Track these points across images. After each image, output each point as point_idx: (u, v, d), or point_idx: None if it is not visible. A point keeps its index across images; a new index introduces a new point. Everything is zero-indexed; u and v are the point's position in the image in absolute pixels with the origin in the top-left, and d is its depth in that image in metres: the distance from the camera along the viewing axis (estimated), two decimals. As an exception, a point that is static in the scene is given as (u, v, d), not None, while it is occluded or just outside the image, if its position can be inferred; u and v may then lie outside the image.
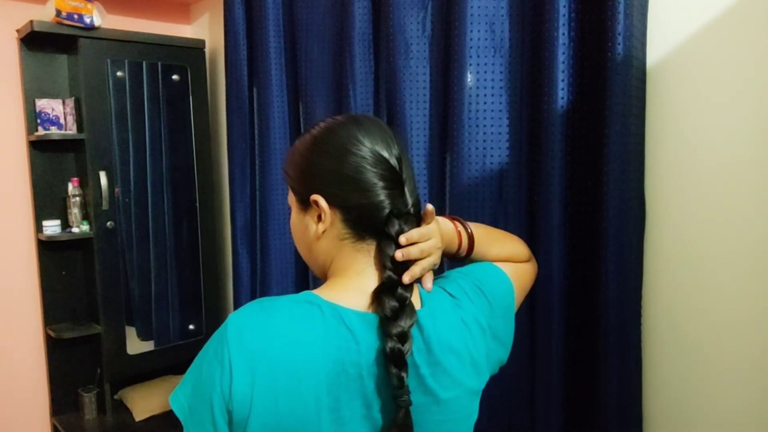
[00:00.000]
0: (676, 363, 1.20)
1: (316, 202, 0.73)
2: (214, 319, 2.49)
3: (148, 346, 2.37)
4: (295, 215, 0.79)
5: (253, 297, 2.17)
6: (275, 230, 2.00)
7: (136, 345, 2.32)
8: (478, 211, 1.39)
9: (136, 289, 2.35)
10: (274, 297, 0.72)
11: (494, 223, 1.39)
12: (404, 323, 0.68)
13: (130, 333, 2.31)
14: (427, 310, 0.74)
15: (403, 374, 0.66)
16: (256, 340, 0.66)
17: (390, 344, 0.66)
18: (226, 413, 0.65)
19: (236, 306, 2.23)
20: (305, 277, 1.98)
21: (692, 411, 1.18)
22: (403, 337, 0.67)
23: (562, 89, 1.22)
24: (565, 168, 1.24)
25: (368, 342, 0.68)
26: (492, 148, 1.37)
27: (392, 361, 0.67)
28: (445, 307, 0.76)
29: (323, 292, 0.73)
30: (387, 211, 0.72)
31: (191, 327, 2.48)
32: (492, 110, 1.37)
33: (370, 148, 0.72)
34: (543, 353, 1.28)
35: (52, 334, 2.21)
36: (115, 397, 2.36)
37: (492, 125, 1.37)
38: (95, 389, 2.31)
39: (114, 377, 2.27)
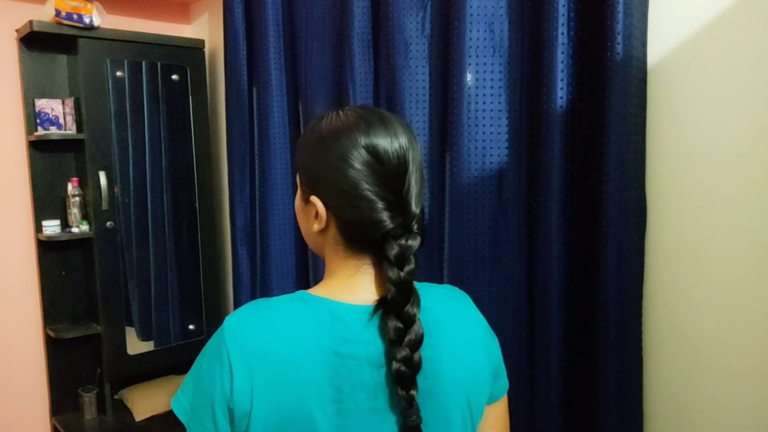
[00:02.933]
0: (677, 363, 1.20)
1: (314, 204, 0.73)
2: (214, 319, 2.49)
3: (148, 346, 2.37)
4: (299, 200, 0.78)
5: (253, 297, 2.17)
6: (275, 230, 2.00)
7: (136, 345, 2.32)
8: (477, 210, 1.39)
9: (136, 289, 2.35)
10: (269, 298, 0.72)
11: (494, 222, 1.39)
12: (410, 346, 0.67)
13: (130, 333, 2.31)
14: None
15: (413, 393, 0.67)
16: (252, 338, 0.67)
17: (395, 366, 0.66)
18: (227, 411, 0.66)
19: (236, 306, 2.23)
20: (305, 277, 1.98)
21: (693, 411, 1.18)
22: (409, 361, 0.67)
23: (562, 89, 1.22)
24: (565, 167, 1.24)
25: (366, 335, 0.69)
26: (491, 148, 1.37)
27: (399, 384, 0.67)
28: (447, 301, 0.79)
29: (315, 291, 0.74)
30: (385, 230, 0.69)
31: (191, 327, 2.48)
32: (491, 110, 1.37)
33: (373, 159, 0.69)
34: (542, 353, 1.28)
35: (52, 334, 2.21)
36: (115, 397, 2.36)
37: (491, 125, 1.37)
38: (95, 389, 2.31)
39: (114, 377, 2.27)
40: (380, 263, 0.71)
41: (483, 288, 1.39)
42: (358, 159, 0.69)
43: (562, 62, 1.21)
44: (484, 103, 1.37)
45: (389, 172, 0.70)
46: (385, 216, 0.69)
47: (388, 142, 0.70)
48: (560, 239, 1.25)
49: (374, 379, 0.68)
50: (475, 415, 0.75)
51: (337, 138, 0.71)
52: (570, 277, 1.26)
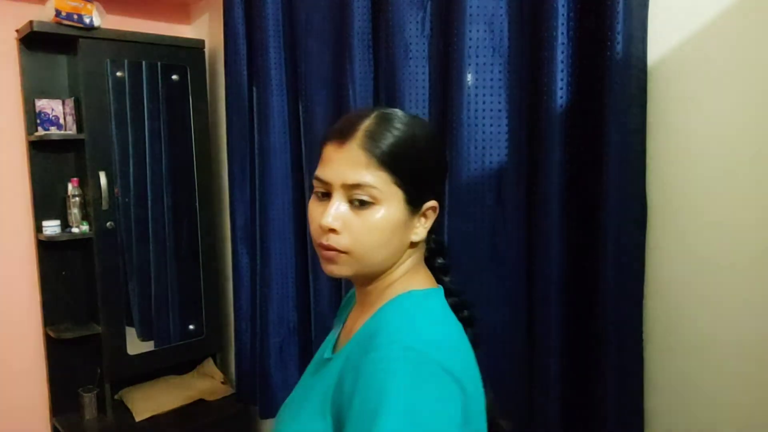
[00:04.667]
0: (678, 361, 1.20)
1: (434, 209, 0.76)
2: (214, 319, 2.49)
3: (148, 346, 2.37)
4: (400, 214, 0.72)
5: (253, 297, 2.17)
6: (275, 230, 2.00)
7: (136, 345, 2.32)
8: (477, 210, 1.39)
9: (136, 289, 2.35)
10: (420, 310, 0.75)
11: (493, 222, 1.39)
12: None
13: (130, 333, 2.31)
14: None
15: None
16: (448, 345, 0.72)
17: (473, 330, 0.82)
18: (465, 420, 0.67)
19: (236, 306, 2.22)
20: (305, 277, 1.98)
21: (694, 409, 1.18)
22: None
23: (561, 88, 1.22)
24: (565, 167, 1.24)
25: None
26: (491, 148, 1.37)
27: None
28: None
29: (424, 286, 0.79)
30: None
31: (191, 327, 2.48)
32: (491, 110, 1.37)
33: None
34: (542, 352, 1.28)
35: (52, 334, 2.21)
36: (116, 397, 2.35)
37: (491, 124, 1.37)
38: (95, 389, 2.31)
39: (114, 377, 2.27)
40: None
41: (483, 288, 1.39)
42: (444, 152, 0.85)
43: (562, 62, 1.21)
44: (484, 103, 1.37)
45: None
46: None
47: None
48: (560, 239, 1.25)
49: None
50: None
51: (436, 138, 0.81)
52: (569, 277, 1.26)
